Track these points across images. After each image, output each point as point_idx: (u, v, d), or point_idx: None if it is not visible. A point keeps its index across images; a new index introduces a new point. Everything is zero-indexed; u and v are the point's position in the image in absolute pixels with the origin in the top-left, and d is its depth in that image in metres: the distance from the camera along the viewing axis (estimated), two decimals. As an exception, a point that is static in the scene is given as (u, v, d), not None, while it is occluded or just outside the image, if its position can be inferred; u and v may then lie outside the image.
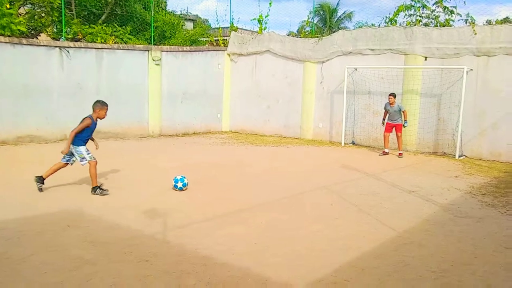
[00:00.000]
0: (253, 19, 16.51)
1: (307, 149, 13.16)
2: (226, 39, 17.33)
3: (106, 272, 4.23)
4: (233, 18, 17.25)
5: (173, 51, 15.33)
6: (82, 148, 7.12)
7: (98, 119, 7.28)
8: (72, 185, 7.70)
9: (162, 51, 14.94)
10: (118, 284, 3.99)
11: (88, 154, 7.16)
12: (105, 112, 7.33)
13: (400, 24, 13.88)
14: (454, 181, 8.87)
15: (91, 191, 7.19)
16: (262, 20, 16.35)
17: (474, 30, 11.79)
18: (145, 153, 11.49)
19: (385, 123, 12.17)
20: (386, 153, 12.13)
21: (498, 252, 5.05)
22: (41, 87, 12.60)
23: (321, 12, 34.88)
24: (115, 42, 14.52)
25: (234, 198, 7.22)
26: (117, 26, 15.21)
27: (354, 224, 6.01)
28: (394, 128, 11.95)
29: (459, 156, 11.78)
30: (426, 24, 13.59)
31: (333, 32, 15.24)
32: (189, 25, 23.81)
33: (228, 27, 17.45)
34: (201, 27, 20.46)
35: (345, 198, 7.37)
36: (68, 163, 7.28)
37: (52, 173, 7.24)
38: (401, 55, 12.96)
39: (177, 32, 18.33)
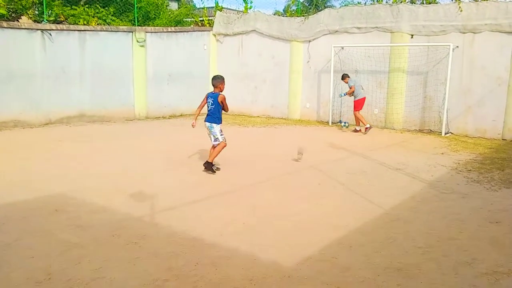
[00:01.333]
0: (238, -2, 16.30)
1: (295, 129, 13.16)
2: (212, 19, 17.11)
3: (95, 255, 4.22)
4: (218, -2, 17.03)
5: (158, 32, 15.11)
6: (217, 128, 7.42)
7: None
8: (58, 170, 7.61)
9: (146, 32, 14.71)
10: (106, 266, 3.98)
11: (221, 135, 7.46)
12: (223, 85, 7.57)
13: (386, 2, 13.82)
14: (440, 158, 8.95)
15: (204, 164, 7.52)
16: (247, -1, 16.15)
17: (460, 7, 11.76)
18: (130, 136, 11.40)
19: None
20: (369, 128, 12.19)
21: (483, 227, 5.13)
22: (24, 71, 12.36)
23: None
24: (98, 24, 14.26)
25: (222, 180, 7.22)
26: (99, 7, 14.93)
27: (341, 202, 6.06)
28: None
29: (445, 133, 11.87)
30: (412, 2, 13.54)
31: (319, 11, 15.12)
32: (173, 6, 23.48)
33: (213, 7, 17.22)
34: (186, 7, 20.18)
35: (332, 177, 7.40)
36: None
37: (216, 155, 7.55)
38: (387, 33, 12.91)
39: (161, 13, 18.06)
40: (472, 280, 3.81)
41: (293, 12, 16.47)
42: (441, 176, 7.48)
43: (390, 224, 5.16)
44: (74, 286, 3.63)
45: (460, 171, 7.88)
